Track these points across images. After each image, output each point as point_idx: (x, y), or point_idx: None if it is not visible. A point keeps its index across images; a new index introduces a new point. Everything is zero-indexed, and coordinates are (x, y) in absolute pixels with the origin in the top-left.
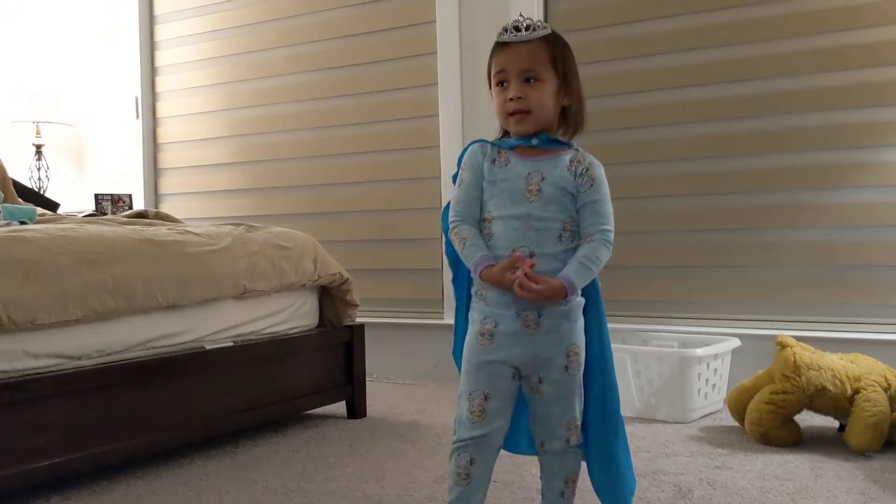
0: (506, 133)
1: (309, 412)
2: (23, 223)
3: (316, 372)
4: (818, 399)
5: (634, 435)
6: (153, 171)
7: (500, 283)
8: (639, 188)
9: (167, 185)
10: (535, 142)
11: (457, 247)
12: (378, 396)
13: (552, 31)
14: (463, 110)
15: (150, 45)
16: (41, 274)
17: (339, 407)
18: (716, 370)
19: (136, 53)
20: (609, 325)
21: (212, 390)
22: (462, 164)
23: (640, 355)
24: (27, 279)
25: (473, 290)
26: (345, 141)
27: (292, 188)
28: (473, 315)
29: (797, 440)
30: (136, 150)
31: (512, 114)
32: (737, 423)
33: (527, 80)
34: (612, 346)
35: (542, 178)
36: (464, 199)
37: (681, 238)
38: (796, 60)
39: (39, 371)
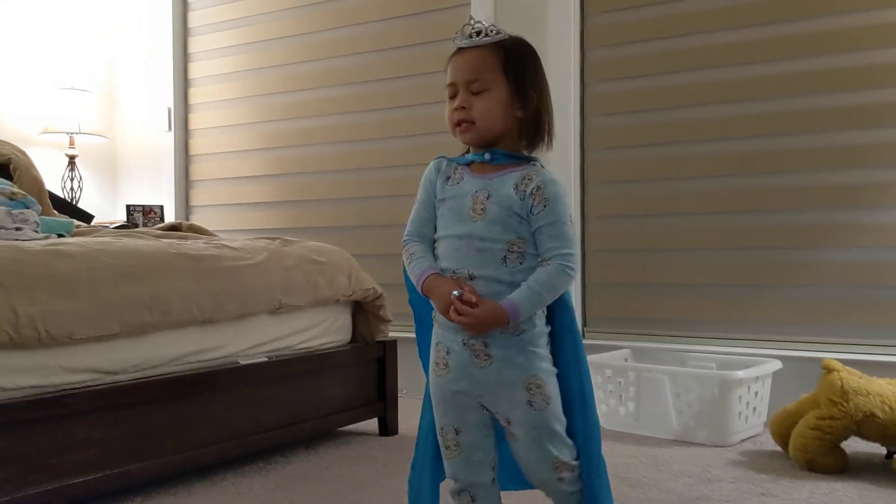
0: (469, 148)
1: (340, 429)
2: (60, 236)
3: (348, 388)
4: (866, 425)
5: (674, 459)
6: (185, 182)
7: (437, 292)
8: (681, 204)
9: (198, 196)
10: (487, 156)
11: (406, 264)
12: (409, 413)
13: (510, 36)
14: None
15: (183, 57)
16: (79, 288)
17: (371, 424)
18: (756, 393)
19: (170, 65)
20: (646, 345)
21: (246, 406)
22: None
23: (680, 377)
24: (65, 294)
25: (433, 313)
26: (376, 155)
27: (323, 201)
28: (432, 339)
29: (843, 467)
30: (168, 162)
31: (457, 124)
32: (778, 448)
33: (474, 90)
34: (650, 366)
35: (488, 197)
36: (415, 219)
37: (720, 256)
38: (840, 77)
39: (76, 386)
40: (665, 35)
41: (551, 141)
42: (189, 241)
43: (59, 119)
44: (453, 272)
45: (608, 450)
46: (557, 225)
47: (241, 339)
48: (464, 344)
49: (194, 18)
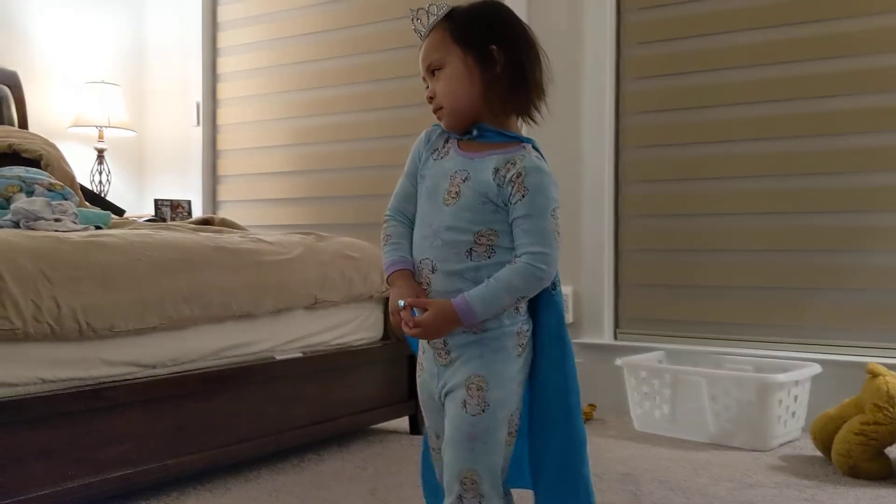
0: None
1: (372, 427)
2: (98, 228)
3: (381, 385)
4: None
5: (712, 462)
6: (212, 177)
7: (391, 296)
8: (717, 205)
9: (225, 191)
10: (474, 133)
11: (381, 245)
12: None
13: (454, 7)
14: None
15: (212, 52)
16: (120, 280)
17: (401, 422)
18: (796, 397)
19: (199, 60)
20: (680, 347)
21: (281, 402)
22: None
23: (718, 380)
24: (106, 286)
25: None
26: (404, 152)
27: (351, 197)
28: None
29: (888, 474)
30: (196, 157)
31: (435, 113)
32: (819, 453)
33: (432, 74)
34: (687, 368)
35: (465, 180)
36: (399, 193)
37: (757, 257)
38: (884, 77)
39: (115, 379)
40: (702, 33)
41: (538, 95)
42: (225, 235)
43: (89, 113)
44: (419, 262)
45: (643, 453)
46: (534, 219)
47: (278, 334)
48: (429, 341)
49: (224, 13)
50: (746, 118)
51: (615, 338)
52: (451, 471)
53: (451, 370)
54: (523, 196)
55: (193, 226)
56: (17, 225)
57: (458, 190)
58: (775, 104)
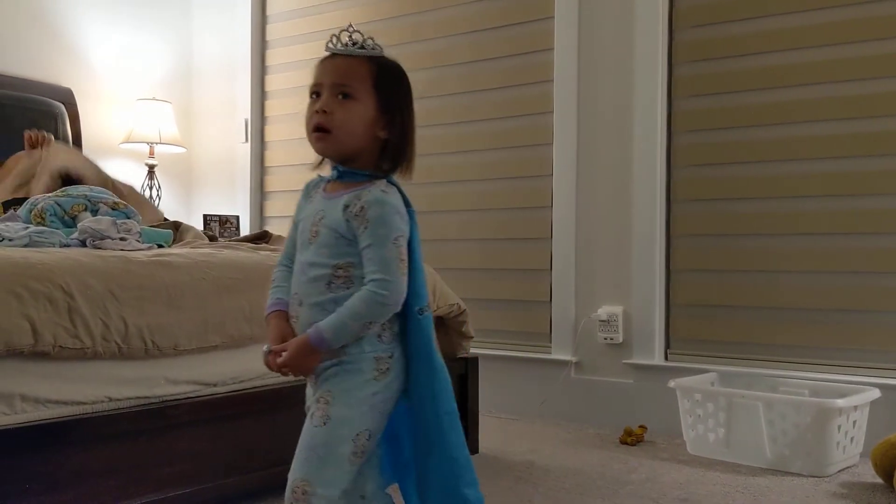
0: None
1: None
2: (160, 246)
3: None
4: None
5: (771, 489)
6: (259, 193)
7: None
8: (773, 224)
9: (272, 207)
10: (334, 174)
11: None
12: (485, 432)
13: (385, 55)
14: (578, 139)
15: (260, 70)
16: (184, 300)
17: None
18: (854, 422)
19: (247, 77)
20: (733, 369)
21: None
22: None
23: (775, 404)
24: (171, 305)
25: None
26: (450, 169)
27: None
28: None
29: None
30: (244, 173)
31: (314, 130)
32: (880, 480)
33: (339, 96)
34: (742, 391)
35: (321, 219)
36: (287, 242)
37: (812, 278)
38: None
39: (177, 397)
40: (754, 51)
41: (410, 173)
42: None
43: (140, 129)
44: (292, 297)
45: (699, 477)
46: (375, 247)
47: None
48: (307, 378)
49: (272, 32)
50: (803, 137)
51: (666, 359)
52: (290, 477)
53: (314, 390)
54: (366, 228)
55: (251, 243)
56: (83, 243)
57: (317, 229)
58: (834, 123)
